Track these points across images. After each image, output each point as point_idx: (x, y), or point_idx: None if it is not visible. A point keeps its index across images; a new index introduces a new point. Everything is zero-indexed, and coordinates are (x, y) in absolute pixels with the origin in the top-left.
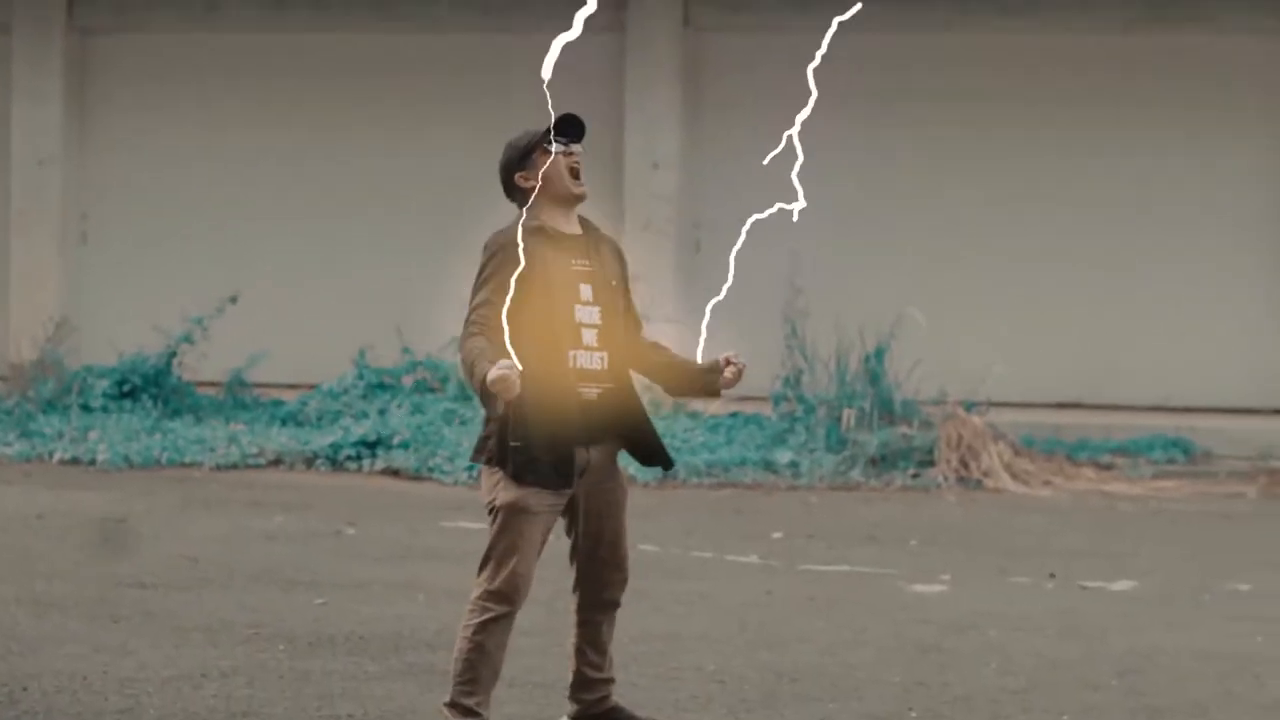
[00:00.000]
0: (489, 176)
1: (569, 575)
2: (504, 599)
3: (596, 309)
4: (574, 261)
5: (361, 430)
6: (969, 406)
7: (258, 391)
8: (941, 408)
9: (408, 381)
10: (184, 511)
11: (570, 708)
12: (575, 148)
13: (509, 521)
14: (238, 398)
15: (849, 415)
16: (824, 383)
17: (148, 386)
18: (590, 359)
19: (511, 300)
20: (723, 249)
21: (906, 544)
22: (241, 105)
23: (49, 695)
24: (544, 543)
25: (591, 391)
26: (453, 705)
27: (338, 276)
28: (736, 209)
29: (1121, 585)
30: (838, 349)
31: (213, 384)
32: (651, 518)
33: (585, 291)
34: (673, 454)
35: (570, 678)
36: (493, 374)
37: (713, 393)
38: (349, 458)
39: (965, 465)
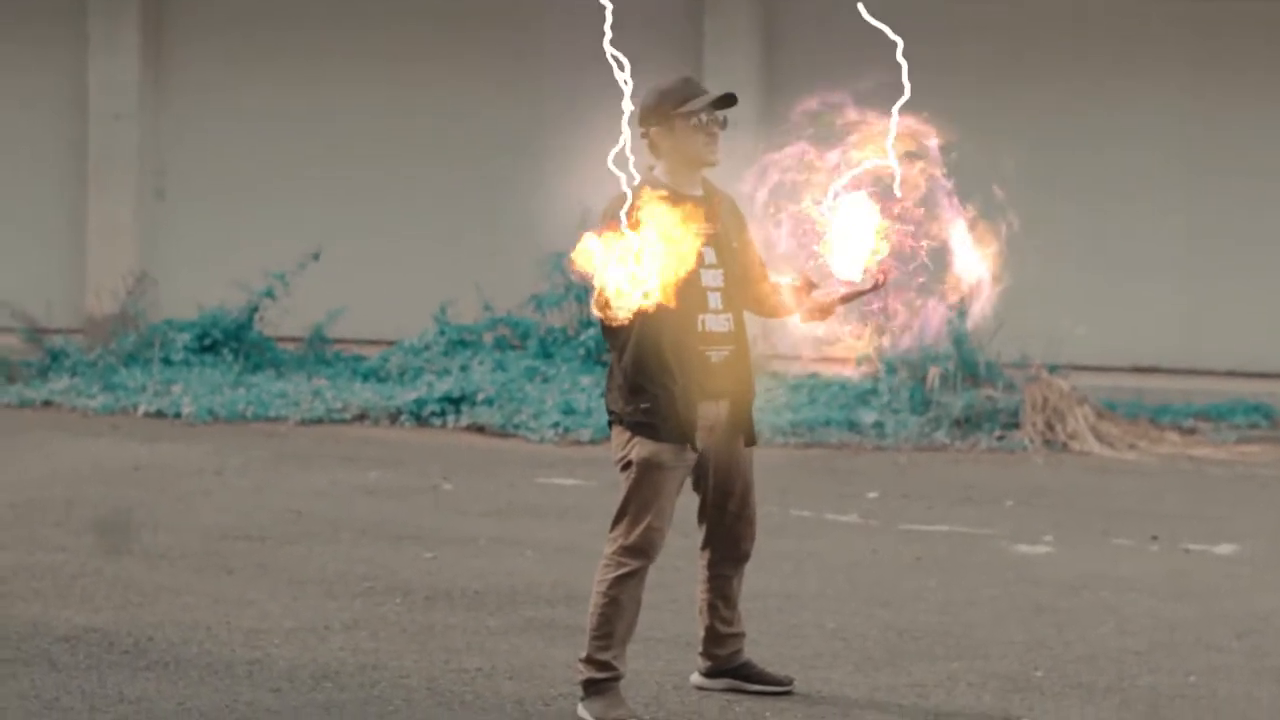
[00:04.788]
0: (577, 135)
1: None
2: (639, 553)
3: (720, 271)
4: (697, 225)
5: (445, 386)
6: (1053, 369)
7: (338, 347)
8: (1025, 370)
9: (488, 338)
10: (278, 465)
11: (702, 664)
12: (717, 122)
13: (644, 476)
14: (319, 353)
15: (934, 375)
16: (907, 342)
17: (228, 341)
18: (717, 321)
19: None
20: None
21: (1002, 505)
22: (321, 58)
23: (175, 646)
24: (677, 497)
25: (718, 354)
26: (589, 660)
27: (418, 232)
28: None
29: (1225, 549)
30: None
31: (293, 339)
32: None
33: (709, 255)
34: (756, 413)
35: (701, 634)
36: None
37: (808, 307)
38: (433, 414)
39: (1050, 428)
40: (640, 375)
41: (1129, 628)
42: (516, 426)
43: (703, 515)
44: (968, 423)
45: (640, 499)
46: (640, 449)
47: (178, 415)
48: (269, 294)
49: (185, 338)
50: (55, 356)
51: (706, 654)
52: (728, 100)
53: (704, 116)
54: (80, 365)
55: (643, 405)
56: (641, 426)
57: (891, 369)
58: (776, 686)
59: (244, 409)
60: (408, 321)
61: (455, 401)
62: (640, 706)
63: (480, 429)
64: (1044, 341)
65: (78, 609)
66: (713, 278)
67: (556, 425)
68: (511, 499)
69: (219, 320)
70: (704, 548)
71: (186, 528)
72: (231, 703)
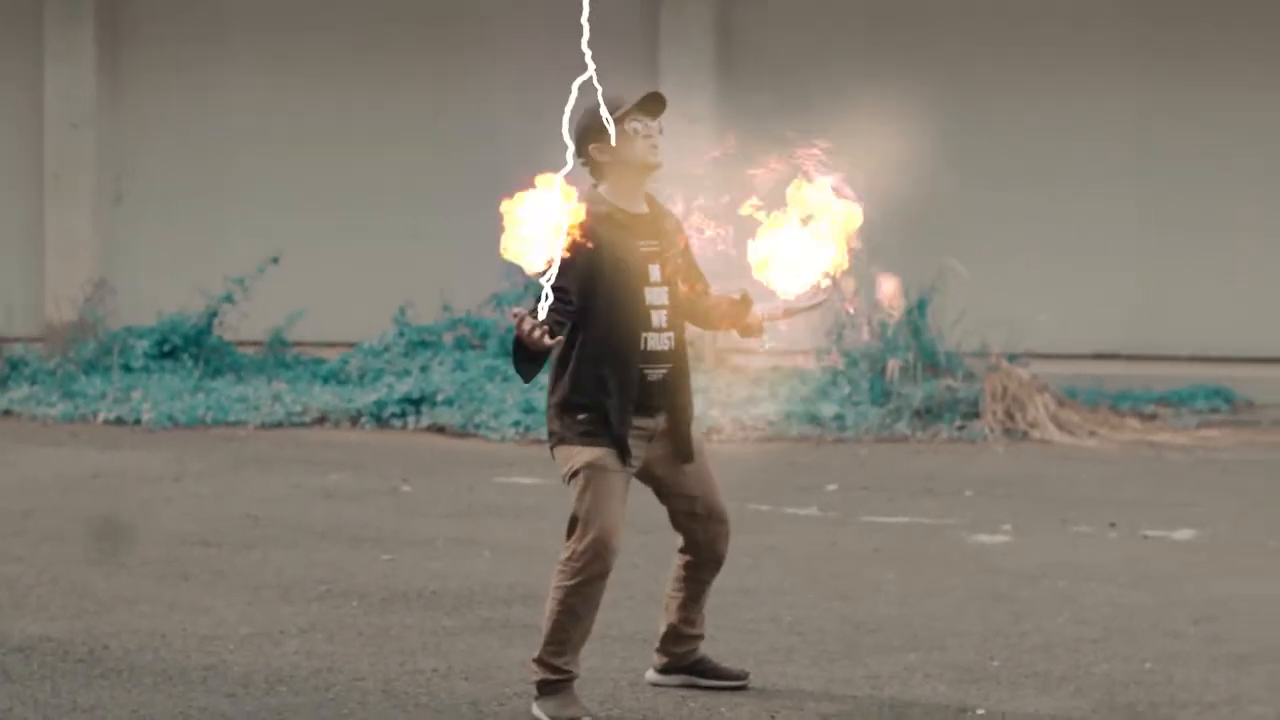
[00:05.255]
0: (533, 132)
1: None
2: (595, 559)
3: (664, 289)
4: (642, 243)
5: (405, 388)
6: (1012, 358)
7: (298, 350)
8: (985, 360)
9: (448, 339)
10: (238, 470)
11: (658, 660)
12: (654, 125)
13: (589, 481)
14: (278, 356)
15: (893, 367)
16: (866, 335)
17: (188, 346)
18: (659, 340)
19: (581, 286)
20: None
21: (962, 495)
22: (276, 62)
23: (131, 653)
24: (624, 499)
25: (657, 373)
26: (541, 663)
27: (377, 234)
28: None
29: (1183, 534)
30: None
31: (253, 343)
32: None
33: (654, 272)
34: (719, 409)
35: (662, 630)
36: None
37: (746, 319)
38: (393, 415)
39: (1011, 417)
40: (577, 393)
41: (1086, 616)
42: (477, 426)
43: (675, 524)
44: (928, 413)
45: (588, 504)
46: (582, 455)
47: (137, 422)
48: (228, 299)
49: (144, 344)
50: (14, 365)
51: (664, 651)
52: (657, 100)
53: (639, 126)
54: (40, 373)
55: (579, 417)
56: (582, 436)
57: (852, 361)
58: (731, 681)
59: (204, 414)
60: (368, 323)
61: (415, 402)
62: (595, 704)
63: (441, 429)
64: (1004, 330)
65: (33, 618)
66: (657, 296)
67: (517, 424)
68: (471, 499)
69: (178, 326)
70: (683, 551)
71: (144, 535)
72: (185, 709)
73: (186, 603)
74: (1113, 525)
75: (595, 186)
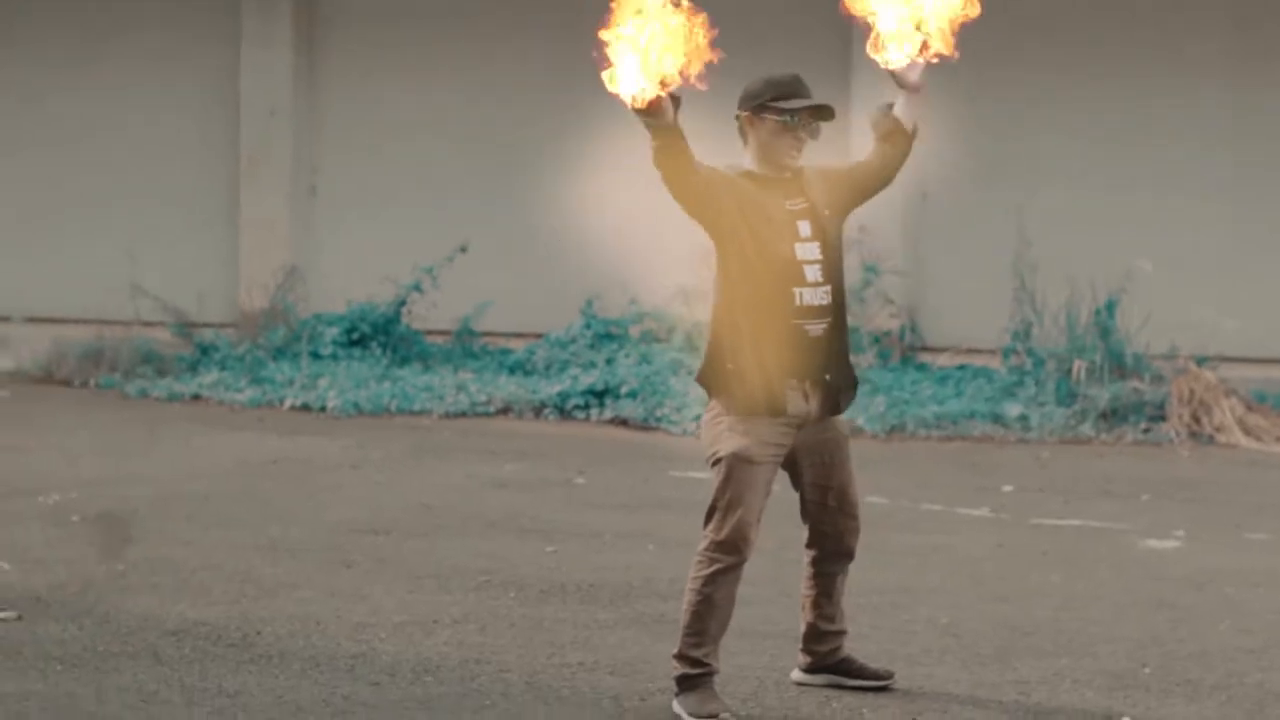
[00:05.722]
0: (723, 129)
1: (797, 526)
2: (731, 550)
3: (816, 244)
4: (787, 201)
5: (589, 380)
6: (1201, 361)
7: (485, 340)
8: (1173, 362)
9: (635, 332)
10: (417, 459)
11: (802, 659)
12: (808, 128)
13: (732, 471)
14: (466, 346)
15: (1079, 368)
16: (1054, 336)
17: (376, 334)
18: (815, 294)
19: (729, 244)
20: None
21: (1139, 499)
22: (472, 51)
23: (282, 639)
24: (768, 493)
25: (818, 327)
26: (681, 657)
27: (566, 226)
28: None
29: None
30: (1068, 302)
31: (441, 333)
32: (881, 470)
33: (803, 228)
34: (901, 405)
35: (803, 629)
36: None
37: (901, 129)
38: (577, 407)
39: (1197, 420)
40: (730, 356)
41: (1247, 625)
42: (659, 420)
43: (805, 513)
44: (1113, 415)
45: (729, 494)
46: (727, 443)
47: (323, 409)
48: (416, 287)
49: (334, 331)
50: (205, 350)
51: (807, 650)
52: (825, 112)
53: (794, 118)
54: (229, 359)
55: (728, 366)
56: (721, 396)
57: (1039, 361)
58: (876, 681)
59: (388, 402)
60: (555, 315)
61: (599, 395)
62: (738, 702)
63: (623, 422)
64: (1194, 333)
65: (191, 603)
66: (808, 250)
67: (698, 418)
68: (644, 493)
69: (367, 314)
70: (809, 545)
71: (315, 522)
72: (329, 696)
73: (346, 590)
74: None
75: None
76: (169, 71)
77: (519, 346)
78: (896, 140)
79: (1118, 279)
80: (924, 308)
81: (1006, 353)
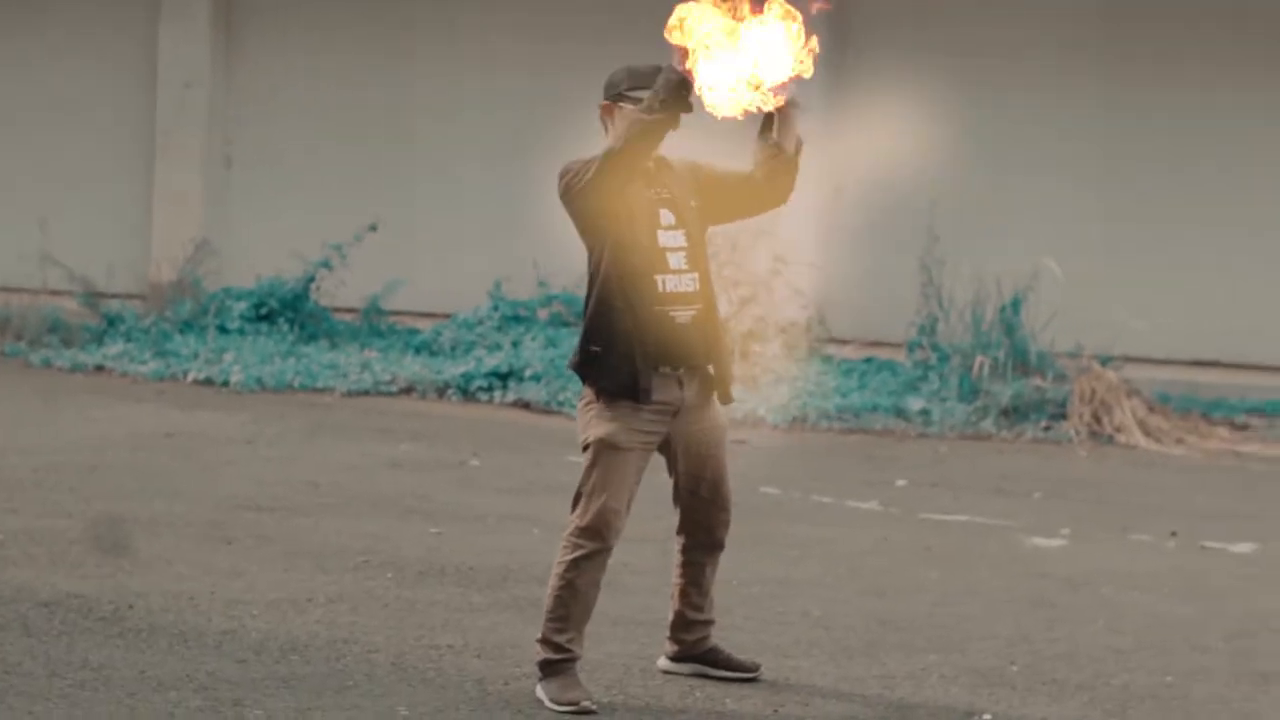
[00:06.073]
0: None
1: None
2: (594, 536)
3: (680, 232)
4: (648, 189)
5: (494, 361)
6: (1104, 361)
7: (393, 320)
8: (1076, 361)
9: (543, 315)
10: (312, 437)
11: (669, 647)
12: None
13: (598, 457)
14: (373, 325)
15: (982, 364)
16: (959, 332)
17: (285, 310)
18: (680, 281)
19: (595, 231)
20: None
21: (1030, 497)
22: (390, 27)
23: (154, 613)
24: (637, 481)
25: (684, 314)
26: (545, 641)
27: (476, 207)
28: None
29: (1243, 547)
30: (974, 298)
31: (349, 310)
32: (778, 461)
33: (666, 216)
34: (804, 396)
35: (670, 618)
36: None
37: (783, 153)
38: (480, 389)
39: (1098, 420)
40: (595, 340)
41: (1120, 625)
42: (561, 404)
43: (677, 498)
44: (1015, 412)
45: (594, 480)
46: (595, 428)
47: (225, 383)
48: (326, 264)
49: (242, 306)
50: (112, 321)
51: (674, 639)
52: (682, 102)
53: (631, 105)
54: (135, 331)
55: (592, 348)
56: (600, 397)
57: (943, 356)
58: (742, 673)
59: (292, 379)
60: (465, 296)
61: (503, 377)
62: (601, 689)
63: (526, 405)
64: (1103, 332)
65: (67, 575)
66: (671, 238)
67: None
68: (536, 477)
69: (276, 290)
70: (679, 533)
71: (201, 497)
72: (193, 672)
73: (223, 566)
74: (1174, 534)
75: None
76: (87, 41)
77: (426, 327)
78: (781, 164)
79: (1025, 277)
80: (832, 300)
81: (911, 347)
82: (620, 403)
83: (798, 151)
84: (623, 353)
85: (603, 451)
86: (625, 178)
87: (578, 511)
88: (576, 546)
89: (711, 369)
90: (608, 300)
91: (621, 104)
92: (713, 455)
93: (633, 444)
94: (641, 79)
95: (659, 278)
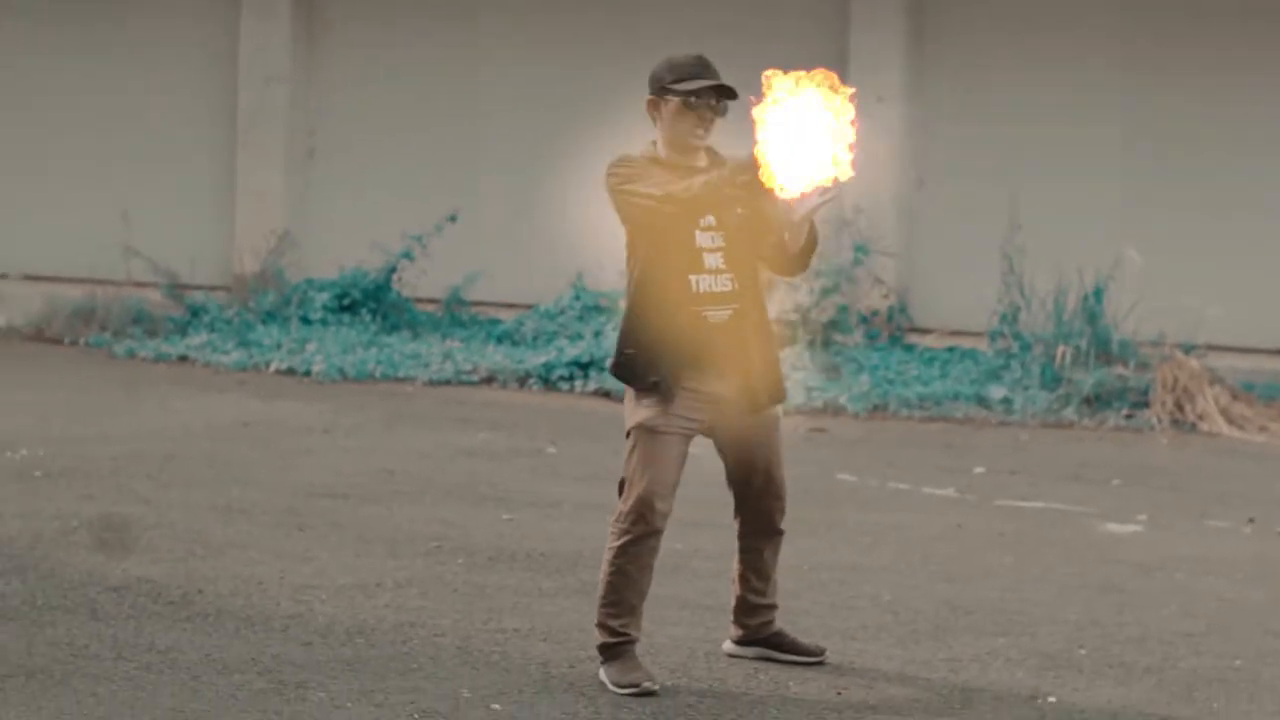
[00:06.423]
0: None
1: None
2: (638, 520)
3: (720, 233)
4: None
5: (576, 351)
6: (1186, 349)
7: (475, 310)
8: (1158, 349)
9: (624, 305)
10: (391, 425)
11: (734, 631)
12: (714, 106)
13: (639, 442)
14: (455, 315)
15: (1064, 353)
16: (1041, 321)
17: (367, 301)
18: (715, 282)
19: (636, 229)
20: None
21: (1109, 484)
22: (473, 20)
23: (222, 598)
24: (680, 465)
25: (720, 314)
26: (601, 626)
27: (559, 198)
28: None
29: None
30: (1056, 287)
31: (431, 301)
32: (856, 449)
33: (707, 218)
34: (885, 385)
35: (733, 602)
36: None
37: (795, 243)
38: (561, 378)
39: (1180, 408)
40: (630, 341)
41: (1192, 610)
42: None
43: (730, 484)
44: (1097, 401)
45: (636, 465)
46: (634, 415)
47: (307, 373)
48: (407, 255)
49: (324, 297)
50: (195, 312)
51: (738, 623)
52: (726, 90)
53: (694, 99)
54: (218, 322)
55: (627, 351)
56: (639, 391)
57: (1025, 345)
58: (807, 657)
59: (373, 369)
60: (547, 286)
61: (584, 366)
62: (666, 672)
63: (606, 394)
64: (1183, 321)
65: (138, 560)
66: (709, 239)
67: None
68: (613, 465)
69: (358, 280)
70: (736, 518)
71: (276, 485)
72: (258, 655)
73: (295, 552)
74: (1251, 521)
75: (654, 143)
76: (170, 34)
77: (508, 317)
78: (785, 260)
79: (1108, 266)
80: (914, 289)
81: (993, 336)
82: (655, 395)
83: (806, 251)
84: (653, 355)
85: (643, 437)
86: (675, 223)
87: (623, 498)
88: (623, 532)
89: (750, 371)
90: (642, 302)
91: (666, 98)
92: (763, 444)
93: (671, 428)
94: (683, 70)
95: (693, 278)
